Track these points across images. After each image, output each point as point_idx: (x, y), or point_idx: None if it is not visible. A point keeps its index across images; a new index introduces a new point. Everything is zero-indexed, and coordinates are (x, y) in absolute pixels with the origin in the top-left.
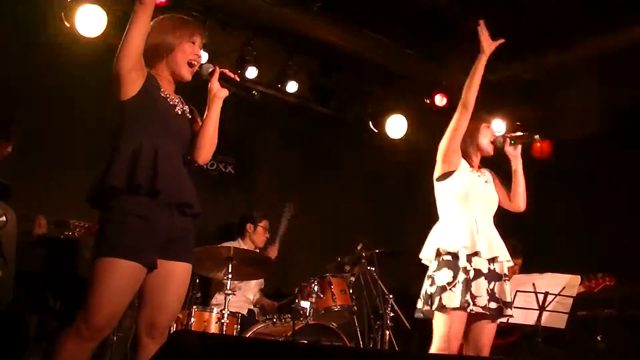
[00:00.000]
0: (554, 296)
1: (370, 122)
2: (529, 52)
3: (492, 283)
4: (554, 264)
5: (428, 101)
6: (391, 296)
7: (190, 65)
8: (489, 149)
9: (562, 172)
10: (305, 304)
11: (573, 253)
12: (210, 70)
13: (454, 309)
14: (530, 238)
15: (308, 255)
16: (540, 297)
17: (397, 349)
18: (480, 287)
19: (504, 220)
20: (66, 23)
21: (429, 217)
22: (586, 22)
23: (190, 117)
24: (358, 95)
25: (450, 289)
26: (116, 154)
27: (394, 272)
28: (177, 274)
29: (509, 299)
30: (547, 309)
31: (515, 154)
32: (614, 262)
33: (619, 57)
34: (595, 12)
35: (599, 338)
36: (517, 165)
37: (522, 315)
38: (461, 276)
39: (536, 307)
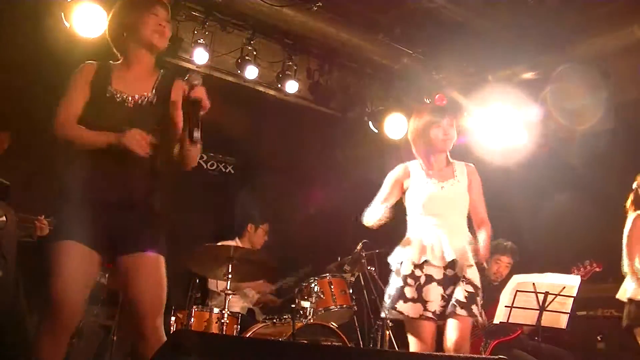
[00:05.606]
0: (554, 296)
1: (370, 122)
2: (530, 51)
3: (450, 288)
4: (550, 263)
5: (428, 101)
6: None
7: (158, 33)
8: (443, 146)
9: (561, 168)
10: (305, 304)
11: (572, 252)
12: (196, 82)
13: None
14: (524, 236)
15: (308, 255)
16: (541, 297)
17: (397, 349)
18: (432, 292)
19: (501, 219)
20: (66, 23)
21: None
22: (587, 22)
23: (153, 102)
24: (358, 95)
25: (390, 297)
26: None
27: None
28: (142, 266)
29: (462, 299)
30: (547, 309)
31: None
32: (614, 261)
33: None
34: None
35: (599, 338)
36: None
37: (522, 315)
38: (399, 283)
39: (536, 307)
